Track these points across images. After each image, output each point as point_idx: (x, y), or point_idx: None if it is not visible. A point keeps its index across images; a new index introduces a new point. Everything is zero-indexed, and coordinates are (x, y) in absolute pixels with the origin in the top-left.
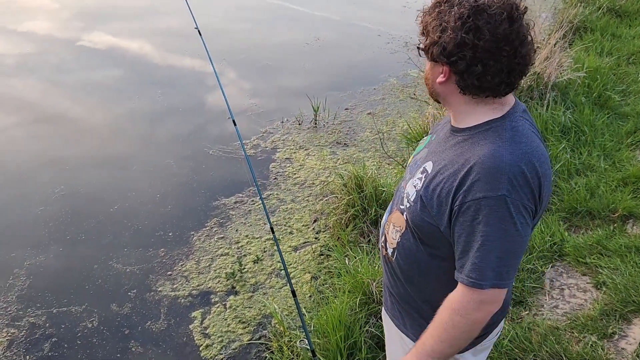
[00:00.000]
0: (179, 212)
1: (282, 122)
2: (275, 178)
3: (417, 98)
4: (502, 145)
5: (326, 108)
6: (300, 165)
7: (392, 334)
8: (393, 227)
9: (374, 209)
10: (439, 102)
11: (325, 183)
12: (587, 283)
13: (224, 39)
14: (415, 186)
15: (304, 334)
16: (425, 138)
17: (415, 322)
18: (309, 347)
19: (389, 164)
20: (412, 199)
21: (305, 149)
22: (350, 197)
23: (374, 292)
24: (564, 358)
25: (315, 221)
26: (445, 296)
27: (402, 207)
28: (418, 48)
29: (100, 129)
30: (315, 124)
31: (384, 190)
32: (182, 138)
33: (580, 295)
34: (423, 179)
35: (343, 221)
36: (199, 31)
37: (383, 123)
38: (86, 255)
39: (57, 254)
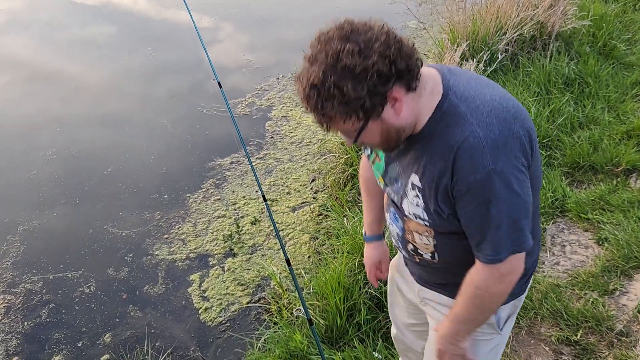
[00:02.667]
0: (174, 174)
1: (278, 78)
2: (272, 137)
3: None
4: (465, 121)
5: None
6: (297, 124)
7: (442, 307)
8: (418, 234)
9: None
10: (398, 146)
11: (323, 141)
12: (589, 239)
13: None
14: (418, 205)
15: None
16: (372, 153)
17: None
18: (306, 316)
19: None
20: (426, 217)
21: (302, 107)
22: (348, 155)
23: None
24: (565, 315)
25: (313, 181)
26: None
27: (414, 218)
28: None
29: (92, 88)
30: None
31: None
32: (176, 97)
33: (582, 252)
34: (421, 196)
35: (341, 180)
36: None
37: None
38: (81, 219)
39: (51, 218)
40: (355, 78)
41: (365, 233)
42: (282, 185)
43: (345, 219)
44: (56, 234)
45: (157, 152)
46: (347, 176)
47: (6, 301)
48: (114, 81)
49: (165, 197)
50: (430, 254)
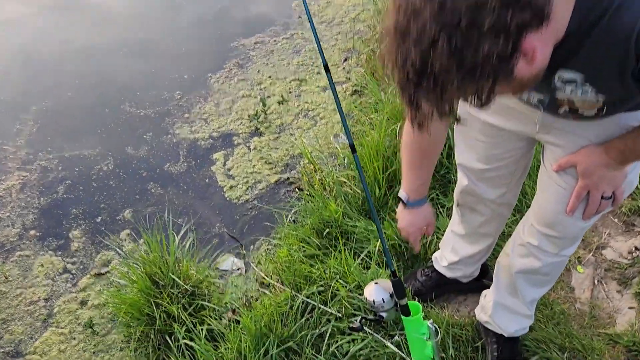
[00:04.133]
0: (194, 54)
1: None
2: (300, 16)
3: None
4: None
5: None
6: (327, 2)
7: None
8: (579, 101)
9: None
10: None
11: (355, 20)
12: None
13: None
14: (585, 97)
15: (342, 126)
16: None
17: None
18: (347, 141)
19: None
20: (594, 97)
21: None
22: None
23: None
24: None
25: (345, 60)
26: None
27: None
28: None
29: None
30: None
31: None
32: None
33: None
34: (581, 87)
35: (378, 53)
36: None
37: None
38: (96, 99)
39: (64, 98)
40: (465, 73)
41: (407, 198)
42: (312, 65)
43: (382, 92)
44: (70, 114)
45: (175, 33)
46: None
47: (21, 177)
48: None
49: (185, 77)
50: (595, 111)
